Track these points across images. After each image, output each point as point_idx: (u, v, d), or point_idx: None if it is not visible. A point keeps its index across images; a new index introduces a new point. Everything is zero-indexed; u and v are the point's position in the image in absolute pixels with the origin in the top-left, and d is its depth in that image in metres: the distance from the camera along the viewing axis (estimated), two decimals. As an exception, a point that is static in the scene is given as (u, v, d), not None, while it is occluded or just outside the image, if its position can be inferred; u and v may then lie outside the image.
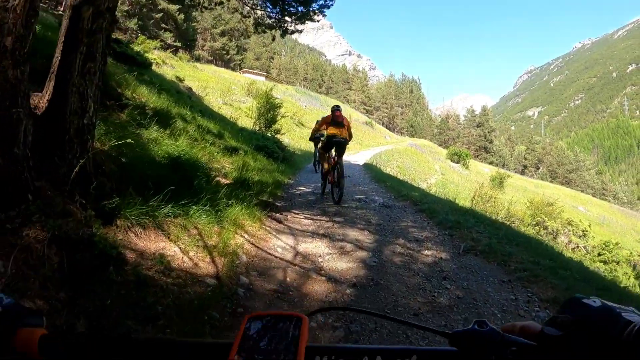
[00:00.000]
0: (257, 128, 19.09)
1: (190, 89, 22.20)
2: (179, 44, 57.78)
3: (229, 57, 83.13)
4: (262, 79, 61.27)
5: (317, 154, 13.16)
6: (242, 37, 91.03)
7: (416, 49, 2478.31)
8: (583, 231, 25.91)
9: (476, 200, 21.23)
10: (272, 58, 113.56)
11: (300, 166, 16.63)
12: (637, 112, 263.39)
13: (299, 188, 11.46)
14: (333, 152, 10.11)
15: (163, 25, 57.14)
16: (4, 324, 0.72)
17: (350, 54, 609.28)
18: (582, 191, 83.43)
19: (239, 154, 10.86)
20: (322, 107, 56.06)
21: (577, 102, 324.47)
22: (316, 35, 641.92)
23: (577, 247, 23.49)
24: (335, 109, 10.22)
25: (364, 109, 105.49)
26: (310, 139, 13.11)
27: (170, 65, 34.77)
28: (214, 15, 79.10)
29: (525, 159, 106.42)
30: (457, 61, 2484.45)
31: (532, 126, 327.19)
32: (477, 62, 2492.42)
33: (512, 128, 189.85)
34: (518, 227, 18.33)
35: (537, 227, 22.20)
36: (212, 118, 15.26)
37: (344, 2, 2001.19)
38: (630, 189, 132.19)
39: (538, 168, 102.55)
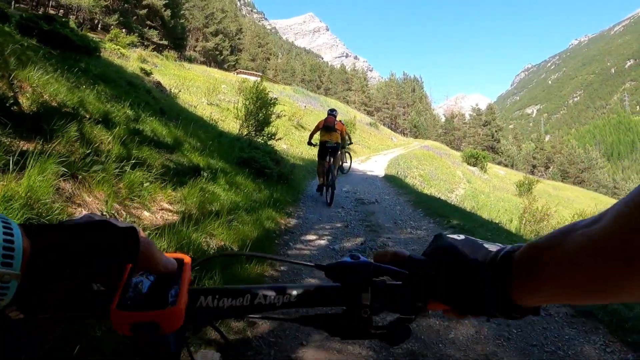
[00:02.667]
0: (245, 132, 14.50)
1: (159, 83, 17.58)
2: (165, 43, 53.26)
3: (222, 57, 79.36)
4: (258, 79, 56.91)
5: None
6: (236, 35, 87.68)
7: (411, 51, 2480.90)
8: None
9: (527, 220, 16.61)
10: (269, 59, 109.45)
11: (303, 186, 12.03)
12: (638, 107, 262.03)
13: (307, 239, 6.49)
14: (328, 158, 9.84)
15: (148, 22, 52.78)
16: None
17: (347, 56, 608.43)
18: (595, 190, 79.83)
19: (199, 178, 6.29)
20: (322, 108, 52.05)
21: (576, 99, 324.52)
22: (312, 38, 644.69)
23: None
24: (329, 113, 10.42)
25: (365, 109, 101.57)
26: (308, 144, 11.07)
27: (153, 64, 30.79)
28: (206, 14, 75.61)
29: (534, 158, 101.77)
30: (453, 61, 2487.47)
31: (531, 124, 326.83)
32: (474, 62, 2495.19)
33: (511, 127, 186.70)
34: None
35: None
36: (183, 120, 10.86)
37: (340, 5, 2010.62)
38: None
39: (548, 167, 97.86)
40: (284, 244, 5.88)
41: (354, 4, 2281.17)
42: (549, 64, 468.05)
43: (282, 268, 4.77)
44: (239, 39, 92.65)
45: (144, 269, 0.62)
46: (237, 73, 60.92)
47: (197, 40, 74.23)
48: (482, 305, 0.62)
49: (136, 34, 39.81)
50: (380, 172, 19.86)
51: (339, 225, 7.48)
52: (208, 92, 24.58)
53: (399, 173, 19.84)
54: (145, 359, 0.63)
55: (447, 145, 79.29)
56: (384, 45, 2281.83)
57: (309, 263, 0.77)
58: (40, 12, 28.94)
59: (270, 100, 15.04)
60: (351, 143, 13.95)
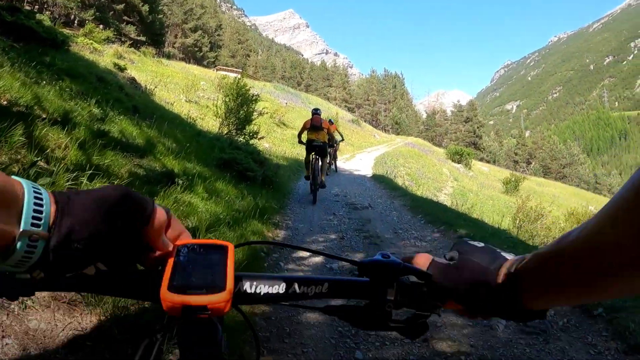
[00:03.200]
0: (226, 131, 13.59)
1: (133, 80, 16.58)
2: (143, 39, 51.91)
3: (202, 54, 77.95)
4: (238, 76, 55.73)
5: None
6: (216, 32, 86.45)
7: (391, 47, 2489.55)
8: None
9: (521, 219, 15.95)
10: (249, 56, 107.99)
11: (290, 189, 11.21)
12: (617, 103, 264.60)
13: (299, 256, 5.57)
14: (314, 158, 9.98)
15: (126, 17, 51.38)
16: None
17: (327, 53, 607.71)
18: (577, 186, 79.99)
19: (172, 187, 5.47)
20: (303, 105, 51.25)
21: (555, 95, 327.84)
22: (292, 35, 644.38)
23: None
24: (314, 113, 10.58)
25: (346, 106, 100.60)
26: (299, 142, 11.27)
27: (129, 60, 29.81)
28: (185, 10, 74.27)
29: (516, 154, 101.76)
30: (433, 58, 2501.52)
31: (511, 120, 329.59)
32: (454, 58, 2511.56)
33: (491, 123, 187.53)
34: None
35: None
36: (158, 119, 10.01)
37: (321, 1, 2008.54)
38: (623, 181, 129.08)
39: (529, 163, 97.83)
40: (273, 264, 5.02)
41: (335, 0, 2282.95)
42: (529, 61, 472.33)
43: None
44: (218, 35, 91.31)
45: (155, 235, 0.64)
46: (217, 70, 59.73)
47: (176, 36, 72.73)
48: (495, 309, 0.67)
49: (112, 29, 38.54)
50: (367, 171, 19.11)
51: (333, 236, 6.69)
52: (186, 89, 23.57)
53: (387, 172, 19.05)
54: (194, 341, 0.67)
55: (430, 142, 78.93)
56: (364, 42, 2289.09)
57: (344, 257, 0.81)
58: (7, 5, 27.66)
59: (252, 96, 14.07)
60: (342, 140, 13.95)
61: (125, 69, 17.97)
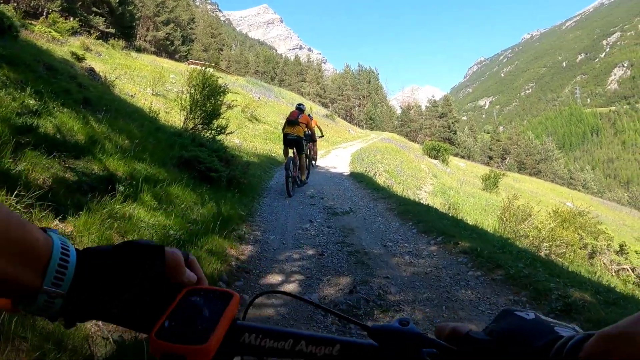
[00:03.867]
0: (191, 125, 12.41)
1: (92, 70, 15.29)
2: (112, 31, 50.16)
3: (173, 47, 76.18)
4: (210, 70, 54.27)
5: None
6: (189, 25, 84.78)
7: (365, 43, 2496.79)
8: (621, 246, 20.37)
9: (507, 220, 15.15)
10: (221, 50, 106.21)
11: (261, 190, 10.19)
12: (589, 100, 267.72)
13: (269, 283, 4.64)
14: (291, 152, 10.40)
15: (95, 9, 49.55)
16: None
17: (301, 48, 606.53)
18: (552, 181, 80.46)
19: (106, 197, 4.40)
20: (277, 99, 50.23)
21: (527, 92, 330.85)
22: (266, 30, 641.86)
23: (623, 269, 17.75)
24: (296, 108, 11.14)
25: (319, 101, 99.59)
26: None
27: (96, 52, 28.62)
28: (157, 2, 72.48)
29: (491, 149, 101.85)
30: (407, 54, 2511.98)
31: (484, 116, 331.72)
32: (427, 54, 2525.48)
33: (464, 118, 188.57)
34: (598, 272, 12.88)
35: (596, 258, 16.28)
36: (114, 112, 8.89)
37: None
38: (597, 176, 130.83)
39: (504, 159, 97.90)
40: (242, 270, 3.99)
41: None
42: (502, 57, 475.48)
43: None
44: (191, 28, 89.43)
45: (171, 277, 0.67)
46: (189, 63, 58.20)
47: (147, 29, 70.82)
48: None
49: (77, 19, 36.87)
50: (344, 168, 18.03)
51: (310, 252, 5.67)
52: (153, 82, 22.28)
53: (366, 170, 17.90)
54: None
55: (404, 137, 78.40)
56: (338, 38, 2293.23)
57: (356, 320, 0.74)
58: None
59: (220, 87, 12.86)
60: (322, 136, 13.88)
61: (84, 58, 16.74)
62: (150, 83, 22.30)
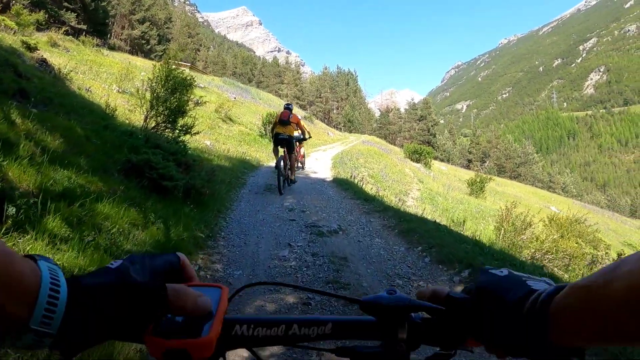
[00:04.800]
0: (153, 124, 10.77)
1: (44, 61, 13.48)
2: (84, 27, 48.08)
3: (149, 47, 74.00)
4: (187, 70, 52.56)
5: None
6: (165, 24, 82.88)
7: (342, 47, 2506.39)
8: (619, 255, 19.36)
9: (507, 230, 13.81)
10: (199, 50, 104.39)
11: (230, 201, 8.57)
12: (565, 104, 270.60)
13: None
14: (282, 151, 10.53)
15: (66, 4, 47.44)
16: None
17: (279, 51, 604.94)
18: (532, 185, 80.00)
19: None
20: (254, 100, 48.74)
21: (504, 96, 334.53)
22: (245, 32, 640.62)
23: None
24: (285, 107, 11.17)
25: (297, 103, 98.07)
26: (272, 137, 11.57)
27: (64, 48, 26.98)
28: (132, 0, 70.55)
29: (470, 152, 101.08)
30: (384, 57, 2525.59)
31: (461, 119, 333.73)
32: (405, 58, 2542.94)
33: (442, 122, 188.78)
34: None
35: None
36: (58, 107, 7.35)
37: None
38: (575, 179, 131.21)
39: (484, 162, 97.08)
40: None
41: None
42: (479, 62, 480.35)
43: None
44: (167, 28, 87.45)
45: (178, 315, 0.64)
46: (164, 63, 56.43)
47: (123, 27, 68.68)
48: (520, 347, 0.60)
49: (43, 12, 34.87)
50: (326, 173, 16.41)
51: (291, 300, 4.06)
52: (120, 79, 20.57)
53: (350, 175, 16.25)
54: None
55: (384, 140, 77.33)
56: (316, 41, 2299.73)
57: (346, 295, 0.77)
58: None
59: (186, 80, 11.19)
60: (310, 137, 13.02)
61: (37, 49, 14.94)
62: (117, 80, 20.61)
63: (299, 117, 11.39)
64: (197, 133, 11.63)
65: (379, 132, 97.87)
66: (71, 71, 15.09)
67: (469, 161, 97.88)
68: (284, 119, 10.65)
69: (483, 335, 0.63)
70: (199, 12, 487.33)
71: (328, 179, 14.61)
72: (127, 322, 0.58)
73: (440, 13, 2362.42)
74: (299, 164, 14.76)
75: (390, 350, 0.66)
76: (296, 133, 11.33)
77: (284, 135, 10.52)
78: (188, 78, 11.21)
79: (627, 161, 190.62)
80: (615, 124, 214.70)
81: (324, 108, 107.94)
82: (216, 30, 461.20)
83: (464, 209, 20.43)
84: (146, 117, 10.89)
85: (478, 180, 29.91)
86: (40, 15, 29.94)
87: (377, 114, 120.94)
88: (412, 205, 16.49)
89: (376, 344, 0.68)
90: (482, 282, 0.65)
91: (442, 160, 77.11)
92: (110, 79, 21.24)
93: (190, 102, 11.45)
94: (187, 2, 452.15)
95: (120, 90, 19.56)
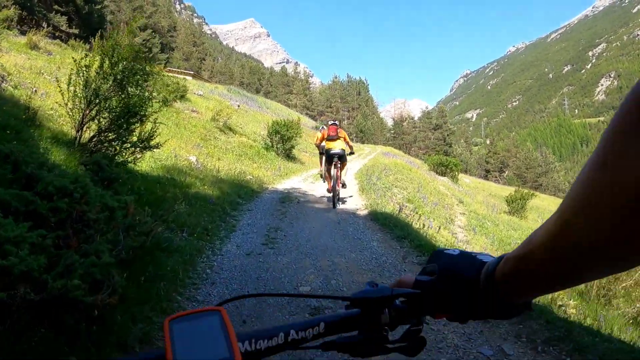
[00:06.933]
0: (90, 134, 6.73)
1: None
2: (76, 31, 44.62)
3: (151, 55, 70.68)
4: (189, 78, 48.93)
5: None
6: (169, 32, 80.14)
7: (351, 58, 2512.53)
8: None
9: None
10: (204, 59, 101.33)
11: (198, 276, 4.57)
12: (577, 110, 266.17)
13: None
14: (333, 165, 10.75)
15: (57, 7, 44.03)
16: None
17: (288, 62, 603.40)
18: (554, 195, 75.45)
19: None
20: (260, 109, 45.17)
21: (515, 104, 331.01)
22: (253, 44, 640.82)
23: None
24: (331, 124, 11.24)
25: (307, 113, 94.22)
26: (320, 153, 11.86)
27: (46, 51, 23.35)
28: (134, 7, 67.89)
29: (487, 162, 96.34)
30: (392, 69, 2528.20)
31: (471, 128, 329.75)
32: (413, 68, 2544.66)
33: (454, 130, 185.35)
34: None
35: None
36: None
37: (281, 10, 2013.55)
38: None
39: (502, 172, 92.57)
40: None
41: (295, 9, 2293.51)
42: (487, 70, 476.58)
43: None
44: (171, 36, 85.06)
45: None
46: (167, 71, 52.91)
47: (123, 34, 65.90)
48: (481, 312, 0.72)
49: (14, 8, 31.30)
50: (355, 201, 11.86)
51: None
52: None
53: (393, 208, 11.32)
54: None
55: (399, 150, 73.24)
56: (325, 53, 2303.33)
57: (337, 296, 0.82)
58: None
59: (145, 64, 7.04)
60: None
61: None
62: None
63: (345, 132, 11.37)
64: (157, 147, 7.33)
65: (392, 142, 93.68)
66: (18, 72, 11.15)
67: (487, 171, 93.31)
68: (333, 135, 10.79)
69: (451, 308, 0.74)
70: (206, 24, 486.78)
71: (361, 212, 10.27)
72: None
73: (447, 22, 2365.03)
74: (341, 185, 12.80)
75: (369, 335, 0.75)
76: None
77: (336, 150, 10.67)
78: (150, 53, 7.10)
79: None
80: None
81: (334, 118, 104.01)
82: (224, 43, 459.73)
83: (518, 236, 16.06)
84: (80, 124, 6.75)
85: (519, 197, 25.52)
86: (11, 12, 26.37)
87: (390, 123, 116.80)
88: (463, 238, 12.29)
89: (355, 333, 0.77)
90: (442, 263, 0.76)
91: (460, 172, 73.33)
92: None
93: (152, 98, 7.31)
94: (195, 15, 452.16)
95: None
